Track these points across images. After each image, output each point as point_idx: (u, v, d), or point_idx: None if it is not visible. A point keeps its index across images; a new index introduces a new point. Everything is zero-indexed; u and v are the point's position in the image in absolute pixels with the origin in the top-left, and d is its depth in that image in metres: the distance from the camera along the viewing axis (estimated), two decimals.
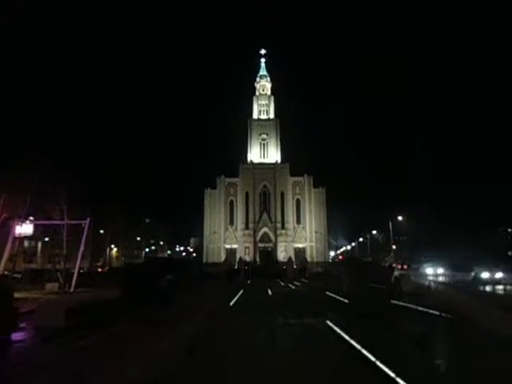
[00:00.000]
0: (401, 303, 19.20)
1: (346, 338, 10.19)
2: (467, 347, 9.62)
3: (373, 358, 7.88)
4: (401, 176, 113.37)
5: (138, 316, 14.77)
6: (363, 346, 8.86)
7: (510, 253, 65.49)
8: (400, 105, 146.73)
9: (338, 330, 11.31)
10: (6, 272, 29.87)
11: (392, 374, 6.76)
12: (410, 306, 17.89)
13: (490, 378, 7.12)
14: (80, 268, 30.53)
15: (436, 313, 14.96)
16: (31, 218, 30.43)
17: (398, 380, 6.49)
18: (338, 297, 23.34)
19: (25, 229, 26.17)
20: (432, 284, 29.30)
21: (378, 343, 9.62)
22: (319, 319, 13.84)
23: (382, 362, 7.53)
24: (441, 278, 36.37)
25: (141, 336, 11.18)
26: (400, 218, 62.70)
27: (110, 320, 13.36)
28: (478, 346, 9.73)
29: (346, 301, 21.29)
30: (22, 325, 12.44)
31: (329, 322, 12.73)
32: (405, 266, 59.45)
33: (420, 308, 16.61)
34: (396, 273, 42.98)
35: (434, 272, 44.95)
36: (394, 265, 56.42)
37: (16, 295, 21.27)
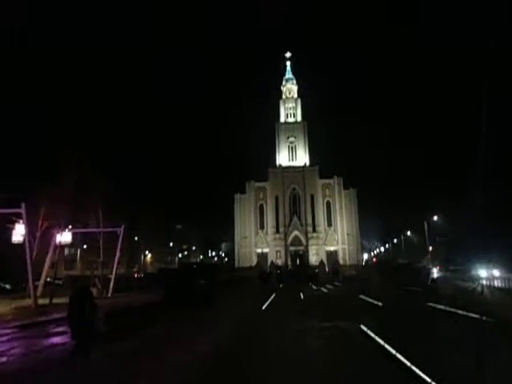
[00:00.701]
0: (438, 306, 18.53)
1: (381, 342, 9.98)
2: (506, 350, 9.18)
3: (408, 363, 7.68)
4: (434, 174, 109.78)
5: (174, 320, 15.11)
6: (398, 351, 8.65)
7: None
8: (429, 101, 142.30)
9: (372, 335, 11.08)
10: (48, 279, 31.30)
11: (428, 379, 6.57)
12: (448, 309, 17.25)
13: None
14: (116, 274, 31.50)
15: (476, 316, 14.35)
16: (70, 227, 31.77)
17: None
18: (371, 300, 22.83)
19: (64, 237, 27.31)
20: (485, 289, 25.77)
21: (414, 348, 9.35)
22: (352, 323, 13.61)
23: (419, 368, 7.32)
24: (497, 283, 29.20)
25: (176, 339, 11.43)
26: (435, 218, 60.64)
27: (147, 324, 13.73)
28: None
29: (380, 304, 20.80)
30: (63, 329, 13.01)
31: (362, 326, 12.49)
32: (436, 267, 56.56)
33: (459, 311, 15.98)
34: (434, 275, 41.59)
35: (488, 274, 37.92)
36: (429, 266, 54.48)
37: (57, 300, 22.35)
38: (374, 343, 10.09)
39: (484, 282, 29.08)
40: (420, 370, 7.20)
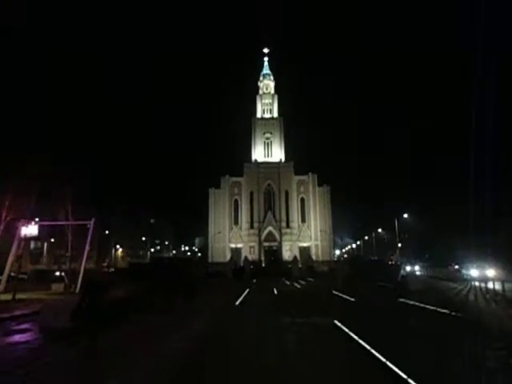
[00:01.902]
0: (409, 302, 18.94)
1: (355, 337, 10.00)
2: (475, 345, 9.41)
3: (383, 359, 7.69)
4: (406, 173, 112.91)
5: (148, 315, 14.64)
6: (372, 346, 8.69)
7: None
8: (400, 102, 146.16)
9: (346, 330, 11.12)
10: (12, 273, 29.92)
11: (404, 376, 6.56)
12: (418, 304, 17.66)
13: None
14: (85, 268, 30.48)
15: (445, 311, 14.73)
16: (36, 219, 30.47)
17: (410, 381, 6.29)
18: (344, 295, 23.12)
19: (30, 230, 26.11)
20: (472, 291, 22.20)
21: (387, 343, 9.44)
22: (326, 318, 13.64)
23: (392, 362, 7.35)
24: (492, 285, 23.25)
25: (148, 337, 11.06)
26: (406, 215, 62.33)
27: (119, 320, 13.22)
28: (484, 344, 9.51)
29: (353, 299, 21.08)
30: (27, 326, 12.38)
31: (336, 322, 12.53)
32: (413, 265, 57.89)
33: (429, 307, 16.37)
34: (403, 271, 42.67)
35: (480, 274, 32.92)
36: (399, 263, 55.94)
37: (21, 296, 21.36)
38: (350, 340, 10.10)
39: (476, 284, 24.94)
40: (393, 364, 7.24)
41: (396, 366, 7.06)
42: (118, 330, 11.76)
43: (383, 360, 7.63)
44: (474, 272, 34.88)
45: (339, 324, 12.16)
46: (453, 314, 14.16)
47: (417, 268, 54.63)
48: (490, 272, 33.35)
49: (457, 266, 53.42)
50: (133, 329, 12.26)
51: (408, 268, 53.59)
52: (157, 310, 15.19)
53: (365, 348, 8.81)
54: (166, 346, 9.70)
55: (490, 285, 23.47)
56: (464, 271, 38.43)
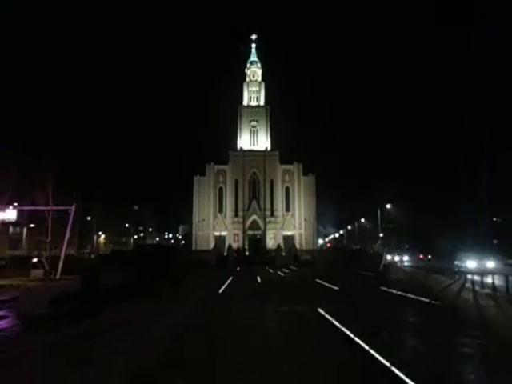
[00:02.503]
0: (391, 290, 19.25)
1: (338, 325, 10.07)
2: (449, 330, 9.60)
3: (366, 347, 7.75)
4: (392, 163, 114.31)
5: (125, 306, 14.45)
6: (355, 334, 8.76)
7: None
8: (389, 92, 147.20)
9: (330, 318, 11.19)
10: None
11: (388, 364, 6.60)
12: (399, 293, 17.95)
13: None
14: (66, 255, 29.89)
15: (425, 300, 15.02)
16: (15, 204, 29.67)
17: (393, 369, 6.33)
18: (327, 284, 23.35)
19: (8, 214, 25.46)
20: (466, 285, 20.16)
21: (369, 330, 9.53)
22: (310, 306, 13.72)
23: (374, 349, 7.42)
24: (497, 281, 19.39)
25: (131, 324, 10.89)
26: (388, 206, 63.17)
27: (100, 308, 13.00)
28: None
29: (336, 288, 21.31)
30: (3, 313, 12.05)
31: (320, 310, 12.61)
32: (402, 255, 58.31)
33: (410, 295, 16.66)
34: (384, 261, 43.39)
35: (479, 266, 29.22)
36: (381, 252, 56.74)
37: None
38: (334, 328, 10.14)
39: (474, 277, 21.57)
40: (373, 349, 7.29)
41: (379, 354, 7.13)
42: (100, 317, 11.55)
43: (366, 347, 7.70)
44: (470, 263, 31.25)
45: (322, 312, 12.23)
46: (432, 302, 14.45)
47: (406, 258, 54.61)
48: (490, 264, 30.34)
49: (429, 256, 54.26)
50: (113, 316, 12.07)
51: (396, 258, 54.15)
52: (140, 298, 15.01)
53: (348, 336, 8.87)
54: (149, 333, 9.57)
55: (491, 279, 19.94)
56: (457, 262, 34.38)
